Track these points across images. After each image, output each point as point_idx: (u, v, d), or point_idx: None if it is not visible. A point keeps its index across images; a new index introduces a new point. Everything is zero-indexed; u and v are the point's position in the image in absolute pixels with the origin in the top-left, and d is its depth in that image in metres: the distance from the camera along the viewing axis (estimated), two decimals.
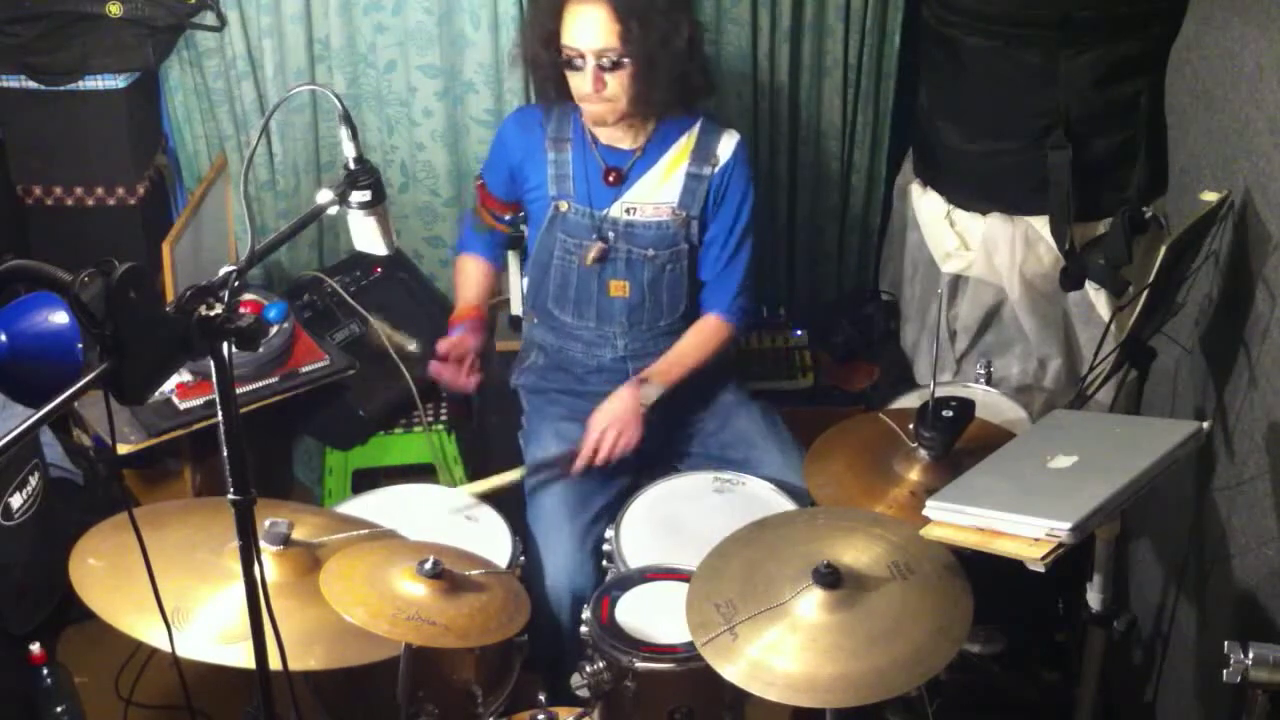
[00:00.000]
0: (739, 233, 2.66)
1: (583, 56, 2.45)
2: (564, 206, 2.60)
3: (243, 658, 1.77)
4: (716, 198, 2.64)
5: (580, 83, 2.48)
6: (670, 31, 2.47)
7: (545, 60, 2.52)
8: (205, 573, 1.98)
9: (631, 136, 2.61)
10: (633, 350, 2.70)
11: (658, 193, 2.61)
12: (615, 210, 2.60)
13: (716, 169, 2.63)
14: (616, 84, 2.47)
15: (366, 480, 3.00)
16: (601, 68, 2.45)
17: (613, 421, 2.53)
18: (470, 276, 2.81)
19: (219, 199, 3.29)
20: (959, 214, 2.91)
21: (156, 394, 2.31)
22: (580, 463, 2.53)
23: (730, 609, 1.89)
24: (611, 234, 2.61)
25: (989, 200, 2.85)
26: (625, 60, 2.44)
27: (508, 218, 2.79)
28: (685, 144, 2.63)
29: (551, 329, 2.74)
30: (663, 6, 2.47)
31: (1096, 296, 2.79)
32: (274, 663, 1.68)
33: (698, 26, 2.58)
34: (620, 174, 2.60)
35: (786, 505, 2.49)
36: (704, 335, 2.68)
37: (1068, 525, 1.75)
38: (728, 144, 2.64)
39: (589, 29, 2.43)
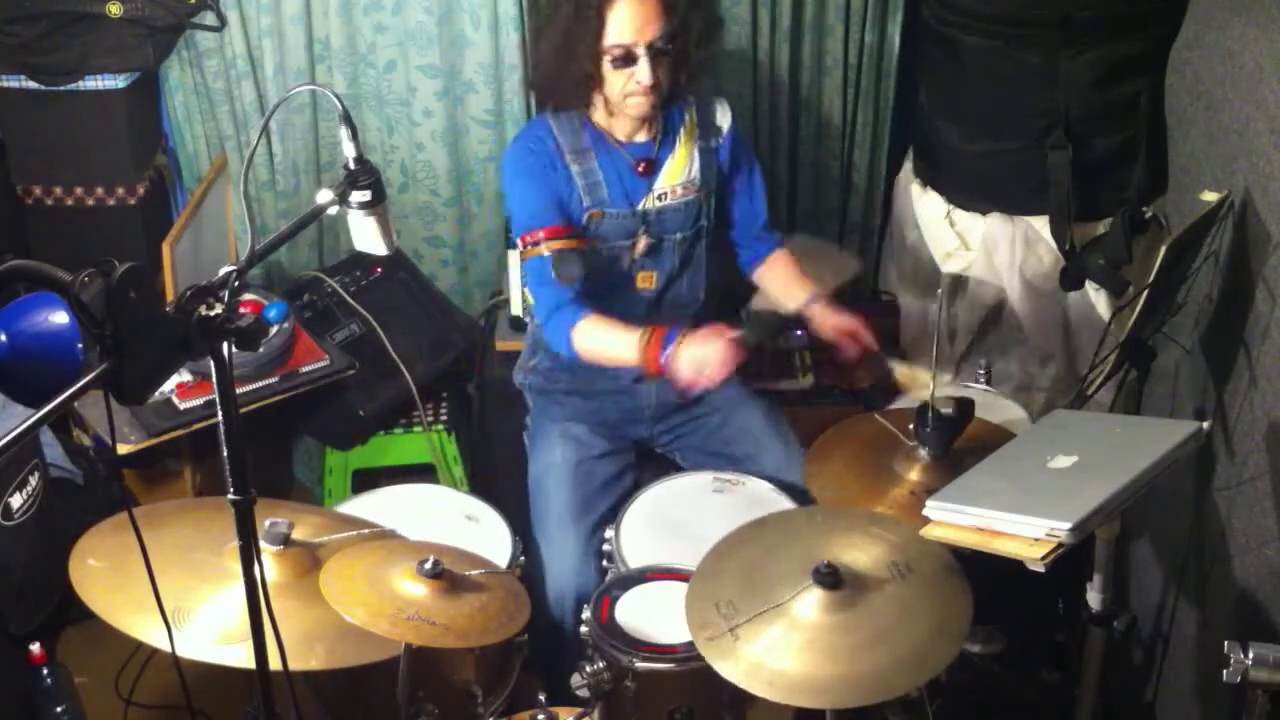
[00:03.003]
0: (758, 179, 2.75)
1: (635, 51, 2.42)
2: (598, 215, 2.58)
3: (243, 658, 1.77)
4: (730, 165, 2.68)
5: (629, 79, 2.45)
6: (711, 7, 2.54)
7: (583, 74, 2.46)
8: (205, 573, 1.98)
9: (648, 127, 2.61)
10: None
11: (681, 173, 2.63)
12: (649, 202, 2.61)
13: (720, 139, 2.66)
14: (665, 72, 2.47)
15: (366, 480, 3.00)
16: (657, 57, 2.43)
17: (846, 320, 2.55)
18: (602, 327, 2.48)
19: (219, 199, 3.29)
20: (959, 214, 2.91)
21: (156, 394, 2.31)
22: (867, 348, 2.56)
23: (731, 609, 1.89)
24: (646, 225, 2.61)
25: (989, 200, 2.85)
26: (673, 44, 2.45)
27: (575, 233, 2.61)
28: (690, 121, 2.64)
29: None
30: None
31: (1096, 296, 2.79)
32: (274, 663, 1.68)
33: None
34: (650, 162, 2.59)
35: (787, 505, 2.49)
36: (790, 262, 2.75)
37: (1068, 525, 1.75)
38: (723, 114, 2.67)
39: (641, 20, 2.41)
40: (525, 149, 2.59)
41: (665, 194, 2.61)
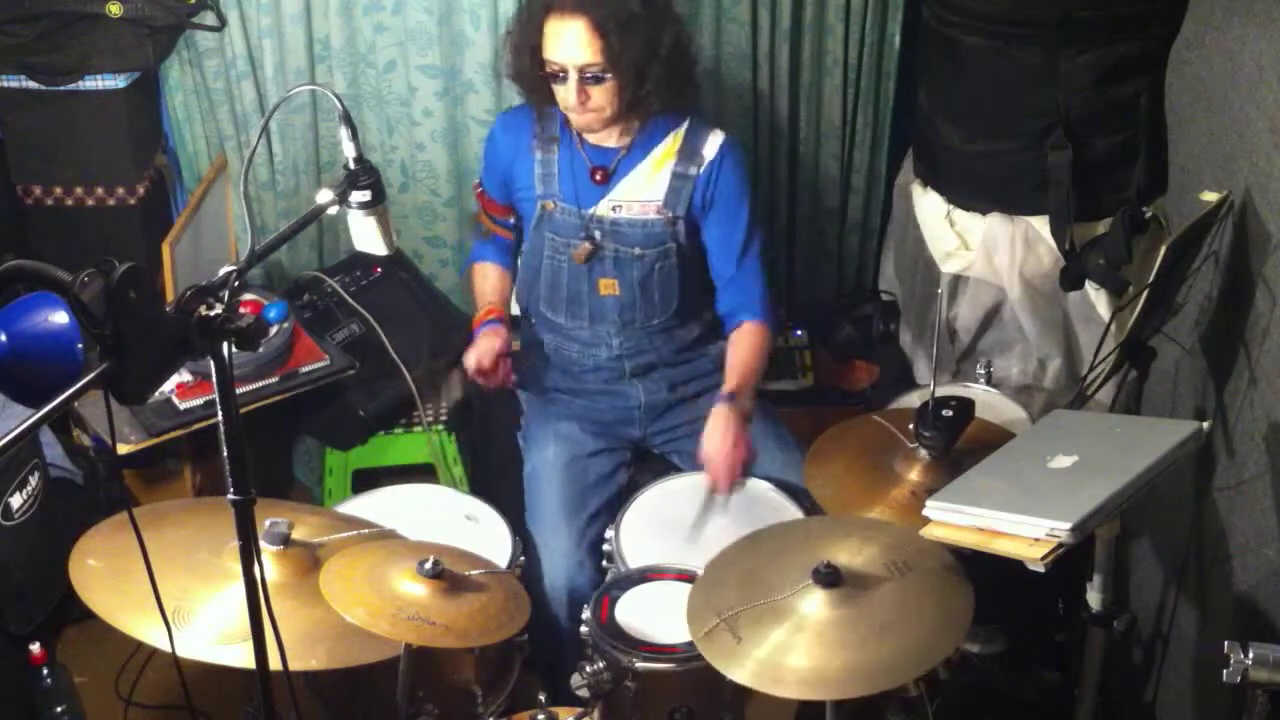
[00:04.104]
0: (743, 230, 2.62)
1: (565, 70, 2.43)
2: (550, 206, 2.60)
3: (243, 658, 1.77)
4: (705, 198, 2.60)
5: (564, 95, 2.47)
6: (655, 37, 2.45)
7: (530, 72, 2.50)
8: (205, 573, 1.98)
9: (618, 135, 2.59)
10: (628, 349, 2.70)
11: (644, 191, 2.60)
12: (602, 208, 2.60)
13: (702, 169, 2.59)
14: (601, 95, 2.45)
15: (366, 480, 3.00)
16: (585, 80, 2.43)
17: (715, 449, 2.45)
18: (486, 280, 2.78)
19: (219, 199, 3.29)
20: (959, 214, 2.91)
21: (156, 394, 2.31)
22: (720, 491, 2.45)
23: (733, 617, 1.89)
24: (598, 232, 2.60)
25: (989, 200, 2.85)
26: (608, 74, 2.43)
27: (510, 221, 2.78)
28: (671, 143, 2.60)
29: (548, 329, 2.73)
30: (644, 14, 2.43)
31: (1096, 296, 2.79)
32: (274, 663, 1.68)
33: (683, 28, 2.57)
34: (606, 172, 2.59)
35: (786, 505, 2.49)
36: (752, 340, 2.63)
37: (1068, 525, 1.75)
38: (713, 143, 2.60)
39: (570, 44, 2.41)
40: (508, 125, 2.69)
41: (621, 206, 2.60)
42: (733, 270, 2.64)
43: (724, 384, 2.56)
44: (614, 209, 2.59)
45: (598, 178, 2.59)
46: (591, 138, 2.59)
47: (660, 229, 2.60)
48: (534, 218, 2.63)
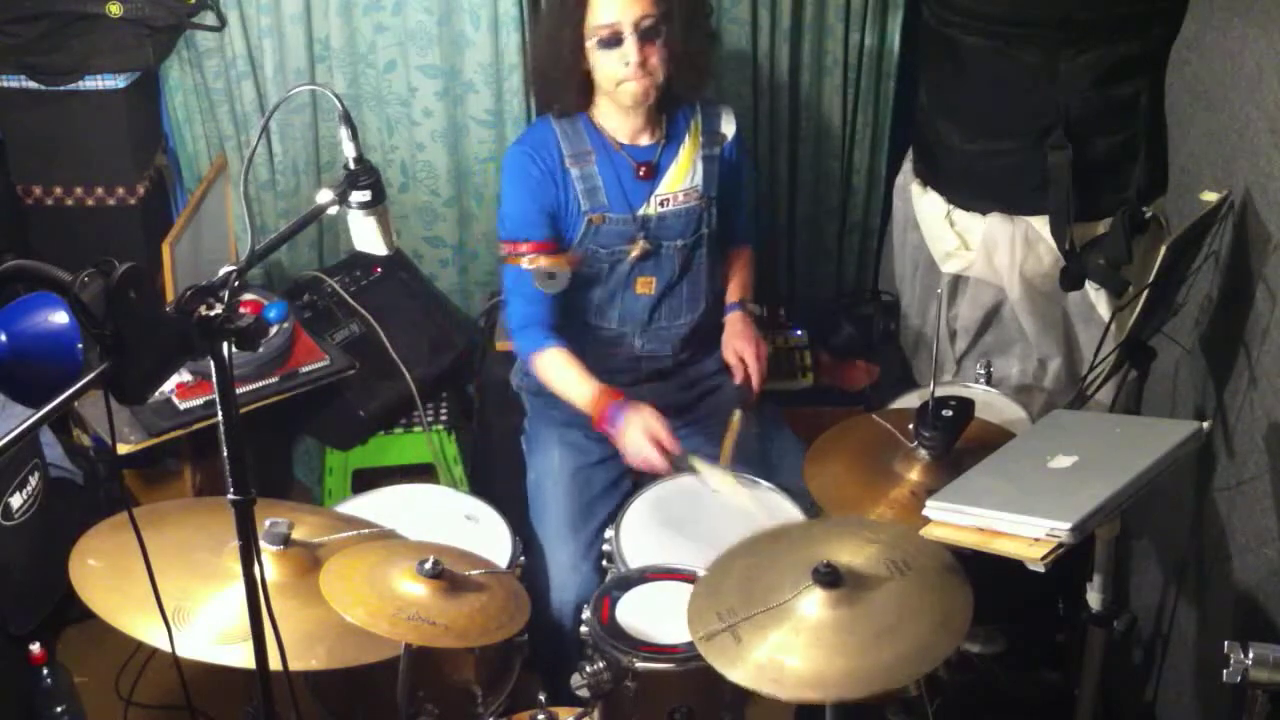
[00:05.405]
0: (746, 191, 2.87)
1: (620, 31, 2.44)
2: (598, 219, 2.59)
3: (243, 658, 1.77)
4: (728, 171, 2.71)
5: (618, 61, 2.47)
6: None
7: (570, 63, 2.50)
8: (205, 573, 1.98)
9: (650, 131, 2.62)
10: (647, 350, 2.70)
11: (684, 180, 2.64)
12: (651, 207, 2.62)
13: (724, 145, 2.69)
14: (656, 54, 2.48)
15: (366, 480, 3.00)
16: (644, 37, 2.45)
17: (747, 343, 2.67)
18: (568, 368, 2.57)
19: (219, 199, 3.29)
20: (959, 214, 2.90)
21: (156, 394, 2.31)
22: (756, 388, 2.65)
23: (731, 614, 1.89)
24: (646, 231, 2.62)
25: (989, 200, 2.85)
26: (663, 26, 2.47)
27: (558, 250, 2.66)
28: (694, 129, 2.66)
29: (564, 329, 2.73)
30: None
31: (1096, 296, 2.79)
32: (274, 663, 1.68)
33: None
34: (651, 166, 2.61)
35: (786, 505, 2.49)
36: (744, 260, 2.88)
37: (1068, 525, 1.75)
38: (728, 120, 2.71)
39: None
40: (527, 155, 2.60)
41: (667, 200, 2.62)
42: (741, 222, 2.85)
43: (729, 295, 2.80)
44: (661, 204, 2.62)
45: (642, 173, 2.60)
46: (626, 138, 2.61)
47: (698, 215, 2.65)
48: (579, 233, 2.61)
